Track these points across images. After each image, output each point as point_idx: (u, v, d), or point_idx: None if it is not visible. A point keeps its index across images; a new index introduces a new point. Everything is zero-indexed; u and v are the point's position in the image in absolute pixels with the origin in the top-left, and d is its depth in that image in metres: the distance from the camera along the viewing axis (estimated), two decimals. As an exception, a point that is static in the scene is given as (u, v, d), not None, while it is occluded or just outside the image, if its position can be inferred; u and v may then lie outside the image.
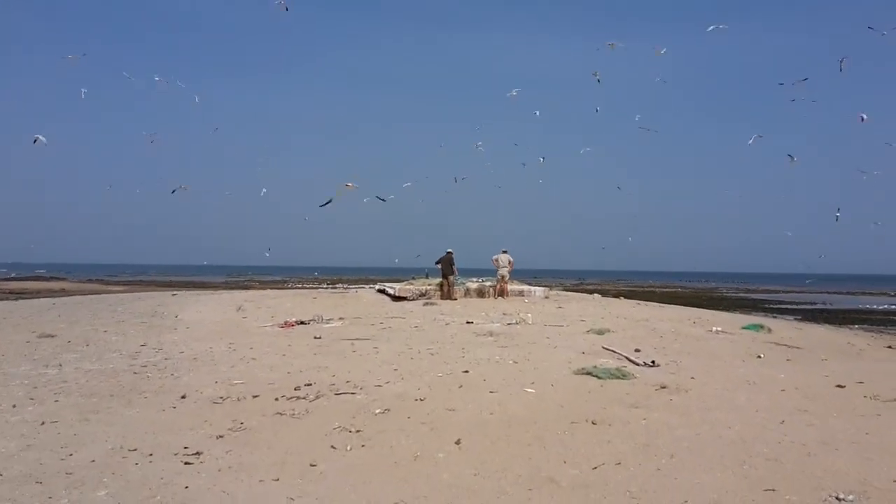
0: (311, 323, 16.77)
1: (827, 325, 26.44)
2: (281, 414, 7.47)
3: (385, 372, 9.95)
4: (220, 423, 7.19)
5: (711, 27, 20.41)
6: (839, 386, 8.82)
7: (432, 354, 11.56)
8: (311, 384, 9.05)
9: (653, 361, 10.23)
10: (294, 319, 16.96)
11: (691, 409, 7.35)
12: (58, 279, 75.71)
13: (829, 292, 73.30)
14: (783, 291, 74.23)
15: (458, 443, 6.18)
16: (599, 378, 9.04)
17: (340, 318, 17.76)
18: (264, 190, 24.93)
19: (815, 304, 51.38)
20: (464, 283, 25.77)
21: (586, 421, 6.88)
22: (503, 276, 25.05)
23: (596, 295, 30.59)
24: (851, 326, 29.05)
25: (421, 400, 7.97)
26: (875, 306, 47.86)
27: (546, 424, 6.77)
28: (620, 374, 9.10)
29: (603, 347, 11.91)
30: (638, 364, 10.20)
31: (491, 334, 14.08)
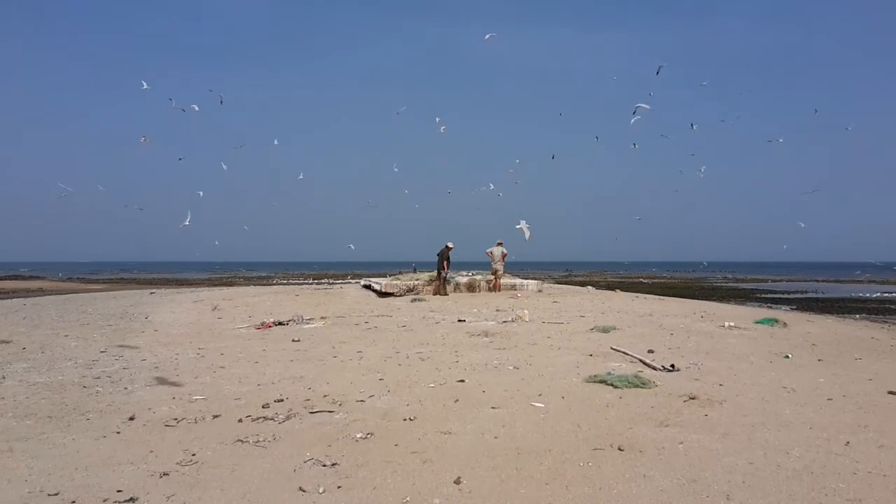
0: (290, 324, 15.50)
1: (831, 316, 25.42)
2: (243, 441, 6.22)
3: (369, 382, 8.72)
4: (169, 453, 5.94)
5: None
6: (892, 393, 7.66)
7: (422, 360, 10.33)
8: (282, 399, 7.80)
9: (672, 365, 9.05)
10: (272, 320, 15.69)
11: (733, 428, 6.15)
12: (37, 278, 73.70)
13: (817, 280, 72.71)
14: (772, 280, 73.54)
15: (457, 482, 4.95)
16: (615, 387, 7.85)
17: (322, 318, 16.50)
18: (200, 193, 23.56)
19: (806, 292, 50.64)
20: (453, 278, 24.55)
21: (611, 447, 5.67)
22: (496, 271, 23.87)
23: (590, 287, 29.51)
24: (853, 316, 28.10)
25: (411, 419, 6.73)
26: (868, 294, 47.05)
27: (563, 452, 5.55)
28: (639, 382, 7.90)
29: (612, 348, 10.72)
30: (655, 368, 9.02)
31: (486, 334, 12.86)
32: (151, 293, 33.54)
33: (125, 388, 8.89)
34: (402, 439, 6.07)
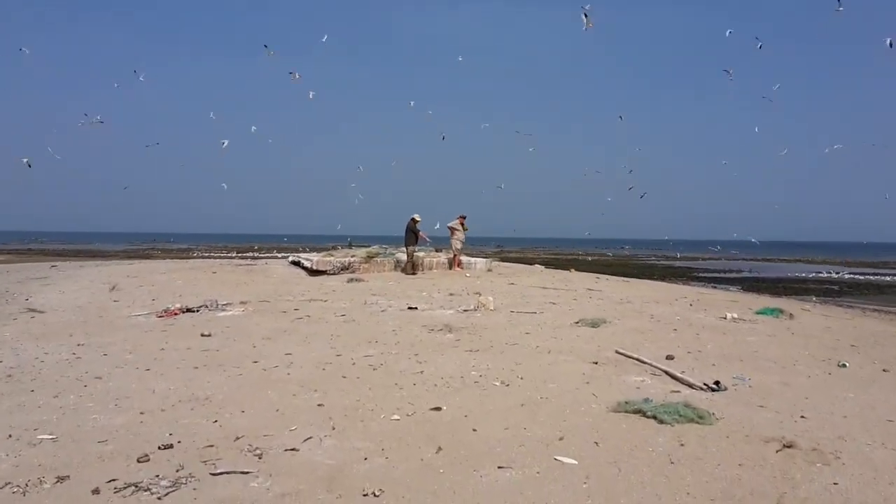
0: (202, 310, 12.62)
1: (790, 299, 23.97)
2: (86, 547, 3.57)
3: (303, 409, 6.11)
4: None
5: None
6: None
7: (373, 368, 7.75)
8: (171, 445, 5.12)
9: (717, 382, 6.73)
10: (178, 306, 12.76)
11: (899, 514, 3.84)
12: (-73, 248, 67.13)
13: (745, 259, 72.65)
14: (703, 259, 73.29)
15: None
16: (662, 422, 5.47)
17: (242, 303, 13.66)
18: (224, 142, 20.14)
19: (741, 271, 49.82)
20: (393, 255, 21.95)
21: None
22: (453, 246, 21.44)
23: (538, 266, 27.31)
24: (809, 299, 26.85)
25: (374, 495, 4.17)
26: (803, 274, 46.55)
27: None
28: (695, 415, 5.55)
29: (617, 353, 8.39)
30: (694, 386, 6.71)
31: (449, 329, 10.33)
32: (53, 266, 29.69)
33: (-57, 416, 6.05)
34: (366, 547, 3.52)
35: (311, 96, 18.68)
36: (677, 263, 60.75)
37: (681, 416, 5.51)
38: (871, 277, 42.43)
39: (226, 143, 20.38)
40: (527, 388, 6.78)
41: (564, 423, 5.56)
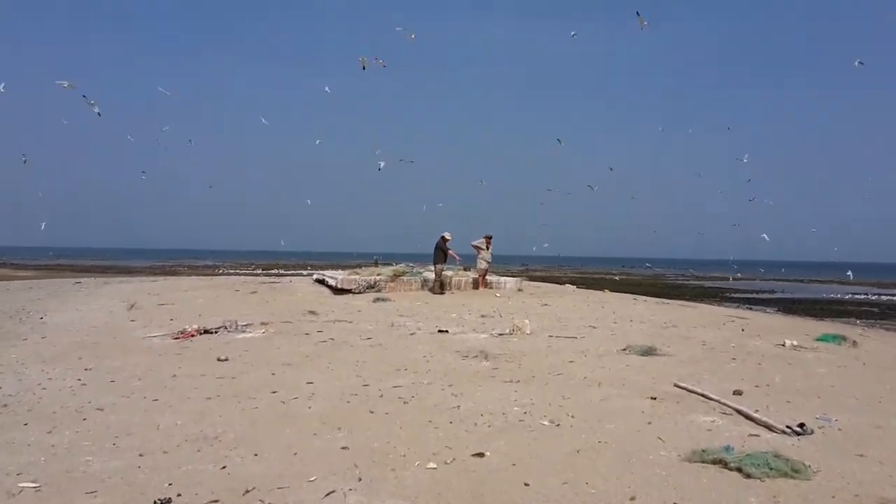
0: (220, 332, 11.90)
1: (836, 321, 22.80)
2: None
3: (324, 452, 5.31)
4: None
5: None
6: None
7: (404, 402, 6.93)
8: (169, 500, 4.34)
9: (801, 425, 5.82)
10: (195, 327, 12.05)
11: None
12: (-43, 264, 67.56)
13: (775, 279, 70.65)
14: (733, 278, 71.48)
15: None
16: (749, 475, 4.59)
17: (263, 324, 12.93)
18: (381, 163, 19.77)
19: (774, 292, 48.32)
20: (421, 273, 21.14)
21: None
22: (478, 266, 20.61)
23: (568, 286, 26.37)
24: (849, 321, 25.60)
25: (412, 578, 3.36)
26: (839, 296, 45.06)
27: None
28: (788, 469, 4.66)
29: (676, 386, 7.50)
30: (774, 429, 5.81)
31: (484, 355, 9.48)
32: (77, 283, 29.32)
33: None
34: None
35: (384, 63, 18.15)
36: (707, 284, 59.23)
37: (772, 468, 4.62)
38: (910, 300, 40.85)
39: (382, 163, 20.10)
40: (580, 428, 5.92)
41: (632, 475, 4.70)
